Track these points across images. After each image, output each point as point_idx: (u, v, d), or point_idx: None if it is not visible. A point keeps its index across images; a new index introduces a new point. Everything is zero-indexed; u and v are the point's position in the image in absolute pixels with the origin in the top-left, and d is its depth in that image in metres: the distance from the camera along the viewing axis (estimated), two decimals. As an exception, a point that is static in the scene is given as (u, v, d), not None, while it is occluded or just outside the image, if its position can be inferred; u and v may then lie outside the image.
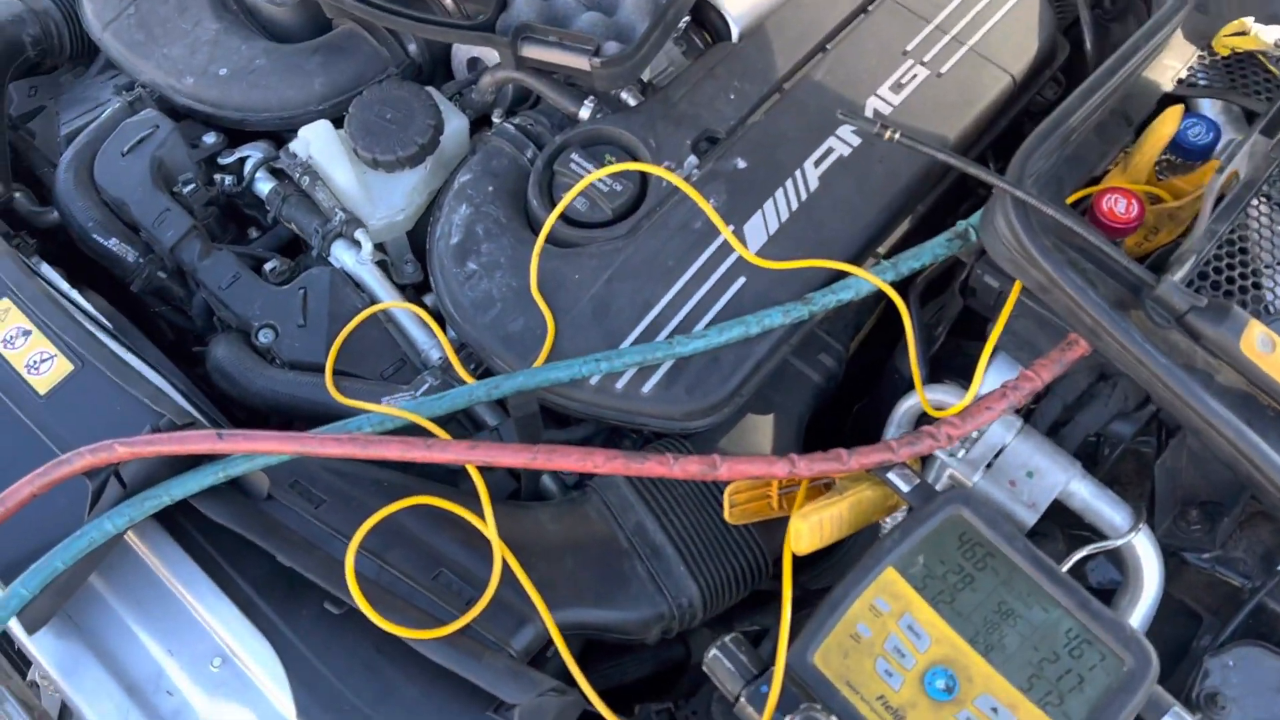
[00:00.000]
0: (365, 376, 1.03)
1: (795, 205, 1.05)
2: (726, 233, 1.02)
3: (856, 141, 1.08)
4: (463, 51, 1.24)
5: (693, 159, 1.08)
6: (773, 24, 1.15)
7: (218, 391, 1.06)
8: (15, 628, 0.92)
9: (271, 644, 0.92)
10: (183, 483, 0.92)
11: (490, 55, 1.21)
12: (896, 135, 0.91)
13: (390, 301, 1.08)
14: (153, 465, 0.92)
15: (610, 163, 1.08)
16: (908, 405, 1.02)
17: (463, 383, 1.00)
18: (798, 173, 1.07)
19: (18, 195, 1.26)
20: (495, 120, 1.18)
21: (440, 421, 0.96)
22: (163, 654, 0.94)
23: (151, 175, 1.15)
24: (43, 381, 0.99)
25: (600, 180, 1.06)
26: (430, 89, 1.15)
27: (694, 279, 1.02)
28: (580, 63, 1.04)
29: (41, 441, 0.96)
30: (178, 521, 0.95)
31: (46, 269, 1.13)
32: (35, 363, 1.00)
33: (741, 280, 1.02)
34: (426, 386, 1.01)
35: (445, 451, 0.89)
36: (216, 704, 0.90)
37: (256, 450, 0.90)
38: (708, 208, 1.02)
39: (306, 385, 1.02)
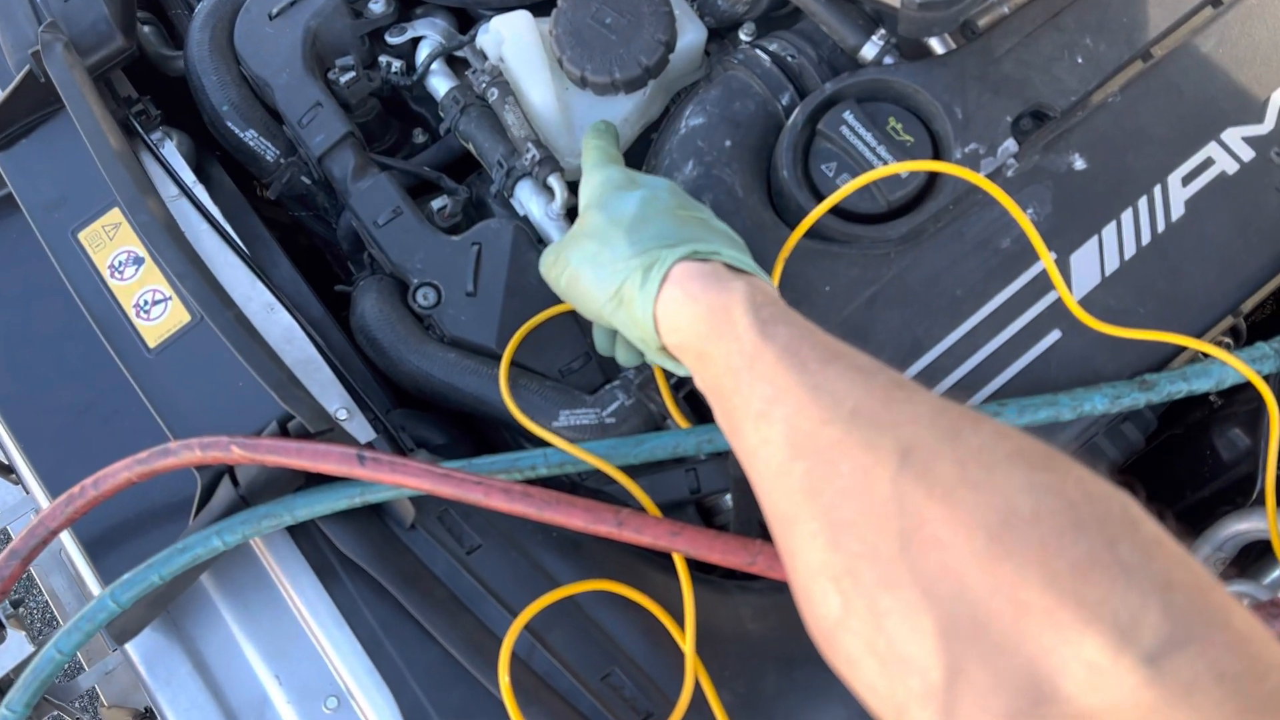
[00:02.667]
0: (539, 371, 0.81)
1: (1147, 237, 0.77)
2: (1051, 267, 0.74)
3: (1250, 155, 0.78)
4: (712, -69, 0.94)
5: (1011, 144, 0.79)
6: (1150, -44, 0.83)
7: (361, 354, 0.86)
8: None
9: (395, 697, 0.75)
10: (310, 501, 0.73)
11: (749, -56, 0.91)
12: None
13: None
14: (276, 472, 0.74)
15: (895, 130, 0.80)
16: (1239, 529, 0.77)
17: (662, 407, 0.78)
18: (1157, 190, 0.77)
19: (147, 30, 1.03)
20: (744, 38, 0.89)
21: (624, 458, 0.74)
22: (270, 679, 0.78)
23: (304, 51, 0.90)
24: (153, 330, 0.80)
25: (873, 151, 0.79)
26: (665, -15, 0.87)
27: (990, 321, 0.76)
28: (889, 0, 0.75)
29: (145, 409, 0.78)
30: (304, 523, 0.78)
31: (170, 150, 0.92)
32: (146, 304, 0.80)
33: (1055, 335, 0.75)
34: (617, 405, 0.79)
35: (640, 534, 0.68)
36: (326, 759, 0.75)
37: (404, 485, 0.71)
38: (1029, 227, 0.74)
39: (471, 375, 0.81)
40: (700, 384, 0.61)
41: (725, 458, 0.76)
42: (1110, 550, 0.40)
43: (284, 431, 0.74)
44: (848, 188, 0.75)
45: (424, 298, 0.83)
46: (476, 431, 0.89)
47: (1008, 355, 0.75)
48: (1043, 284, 0.76)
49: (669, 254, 0.63)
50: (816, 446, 0.49)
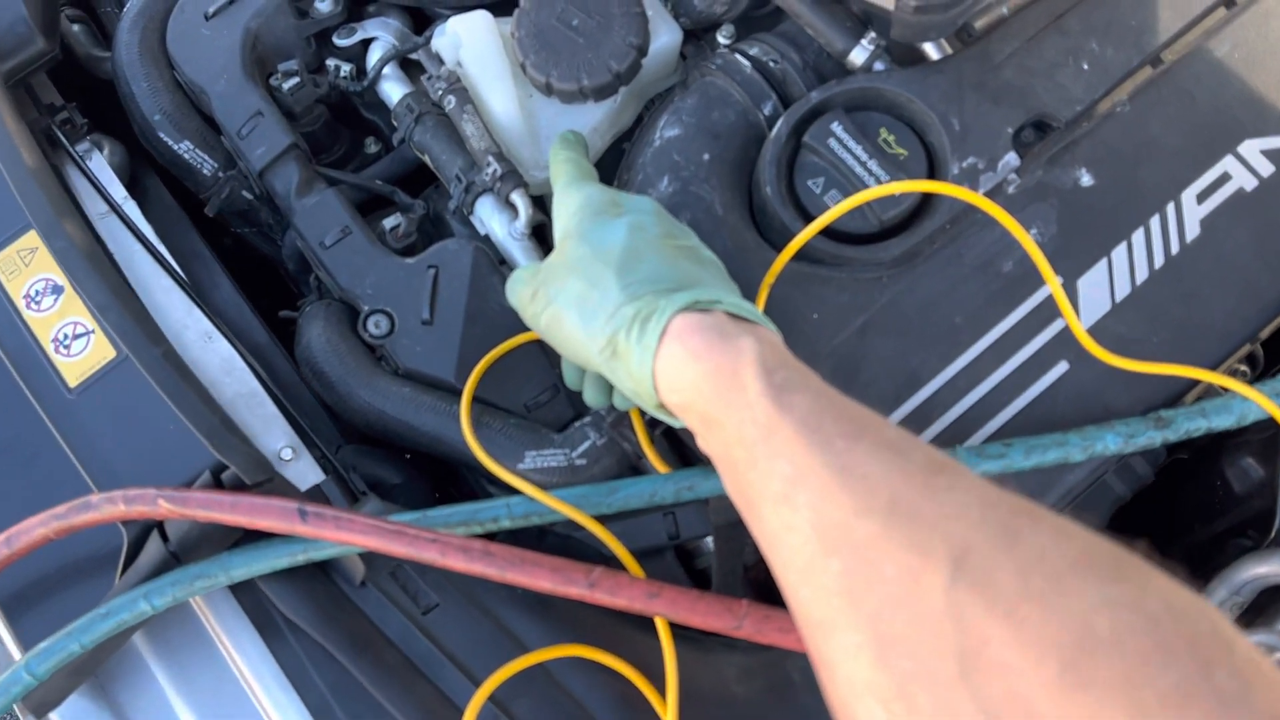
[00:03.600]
0: (502, 407, 0.75)
1: (1160, 260, 0.71)
2: (1058, 293, 0.68)
3: (1270, 170, 0.72)
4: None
5: (1012, 158, 0.73)
6: (1159, -46, 0.77)
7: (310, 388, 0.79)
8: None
9: (347, 773, 0.69)
10: (248, 559, 0.66)
11: (726, -61, 0.84)
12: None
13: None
14: (210, 526, 0.67)
15: (887, 142, 0.74)
16: (1259, 572, 0.71)
17: (637, 446, 0.71)
18: (1170, 208, 0.72)
19: (76, 29, 0.95)
20: (721, 41, 0.83)
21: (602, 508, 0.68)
22: (210, 751, 0.71)
23: (243, 56, 0.83)
24: (73, 368, 0.72)
25: (863, 166, 0.72)
26: (636, -17, 0.80)
27: (992, 352, 0.70)
28: (883, 1, 0.68)
29: (64, 455, 0.70)
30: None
31: (99, 163, 0.84)
32: (66, 338, 0.73)
33: (1063, 367, 0.70)
34: (588, 445, 0.72)
35: (615, 596, 0.62)
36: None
37: (351, 543, 0.64)
38: (1035, 250, 0.68)
39: (428, 411, 0.74)
40: (706, 449, 0.55)
41: (706, 503, 0.70)
42: (1205, 678, 0.34)
43: (218, 482, 0.66)
44: (839, 208, 0.68)
45: (375, 326, 0.76)
46: (435, 468, 0.82)
47: (1011, 389, 0.69)
48: (1048, 311, 0.70)
49: (667, 303, 0.57)
50: (852, 543, 0.43)
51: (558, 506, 0.66)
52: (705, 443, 0.56)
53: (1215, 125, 0.73)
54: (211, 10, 0.84)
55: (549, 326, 0.64)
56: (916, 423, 0.69)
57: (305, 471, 0.76)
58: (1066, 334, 0.69)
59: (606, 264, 0.61)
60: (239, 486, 0.66)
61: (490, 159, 0.77)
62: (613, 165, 0.82)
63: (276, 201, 0.82)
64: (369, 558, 0.68)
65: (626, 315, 0.58)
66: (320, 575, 0.69)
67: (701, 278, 0.61)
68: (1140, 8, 0.75)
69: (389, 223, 0.79)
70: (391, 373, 0.76)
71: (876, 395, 0.70)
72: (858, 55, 0.77)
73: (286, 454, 0.76)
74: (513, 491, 0.69)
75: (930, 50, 0.77)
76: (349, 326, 0.78)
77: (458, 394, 0.74)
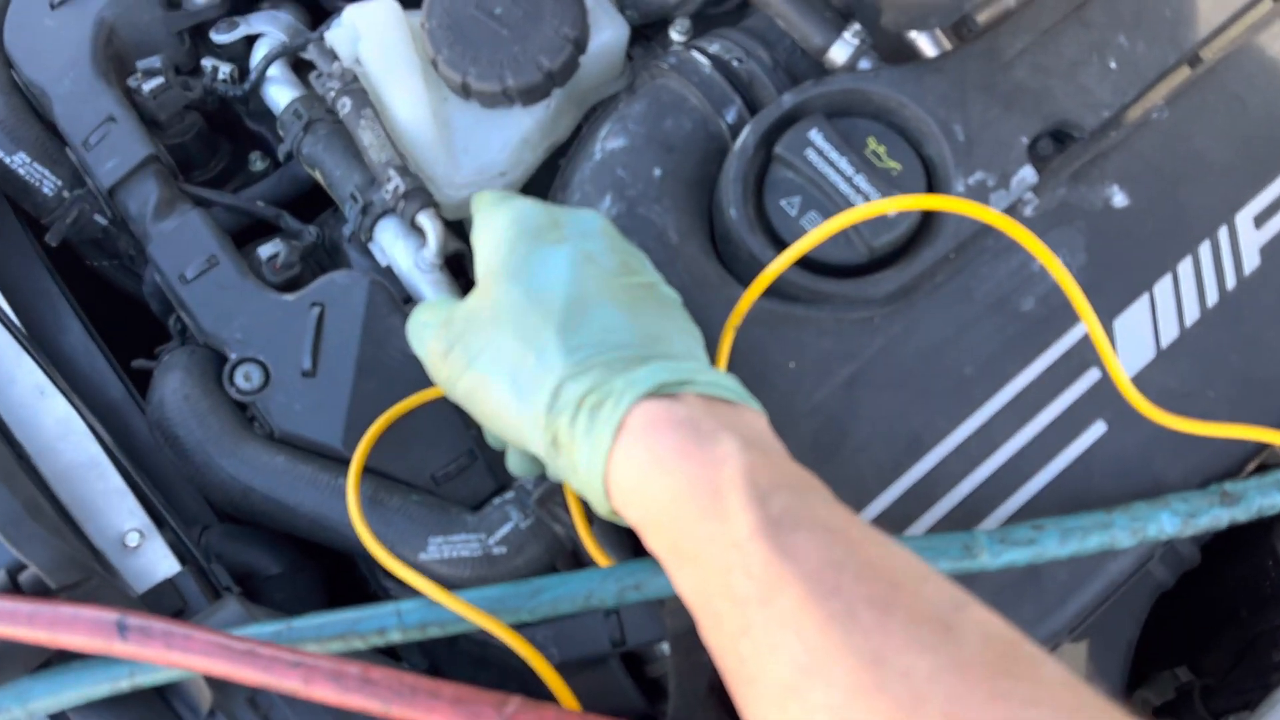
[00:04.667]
0: (403, 479, 0.60)
1: (1214, 297, 0.58)
2: (1099, 335, 0.55)
3: (1338, 188, 0.60)
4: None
5: (1028, 173, 0.60)
6: (1193, -64, 0.65)
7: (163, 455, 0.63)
8: None
9: None
10: (55, 686, 0.50)
11: (680, -81, 0.71)
12: None
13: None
14: (4, 643, 0.51)
15: (876, 154, 0.60)
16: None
17: (571, 530, 0.56)
18: (1222, 233, 0.59)
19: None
20: (675, 38, 0.69)
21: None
22: None
23: (94, 50, 0.68)
24: None
25: (849, 182, 0.59)
26: (573, -33, 0.67)
27: (1012, 410, 0.56)
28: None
29: None
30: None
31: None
32: None
33: (1100, 428, 0.56)
34: (510, 529, 0.57)
35: (537, 736, 0.46)
36: None
37: (186, 666, 0.48)
38: (1069, 281, 0.54)
39: (307, 486, 0.59)
40: (675, 584, 0.44)
41: (660, 604, 0.55)
42: None
43: (15, 586, 0.51)
44: (820, 231, 0.54)
45: (245, 379, 0.61)
46: (326, 553, 0.67)
47: (1037, 456, 0.56)
48: (1081, 359, 0.57)
49: (624, 386, 0.45)
50: None
51: (465, 613, 0.51)
52: (674, 577, 0.44)
53: (1272, 136, 0.60)
54: (58, -2, 0.69)
55: (468, 395, 0.51)
56: (920, 498, 0.55)
57: (155, 561, 0.61)
58: (1103, 387, 0.56)
59: (546, 317, 0.48)
60: (43, 591, 0.50)
61: (392, 173, 0.63)
62: (545, 185, 0.68)
63: (131, 227, 0.66)
64: (219, 681, 0.52)
65: (572, 397, 0.46)
66: (156, 704, 0.53)
67: (665, 333, 0.49)
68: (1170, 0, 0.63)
69: (265, 251, 0.64)
70: (264, 438, 0.61)
71: (870, 464, 0.56)
72: (839, 51, 0.64)
73: (133, 539, 0.61)
74: (412, 590, 0.54)
75: (926, 46, 0.64)
76: (214, 380, 0.62)
77: (344, 464, 0.59)
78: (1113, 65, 0.61)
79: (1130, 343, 0.57)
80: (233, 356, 0.61)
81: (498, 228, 0.52)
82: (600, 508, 0.46)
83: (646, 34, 0.72)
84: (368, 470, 0.59)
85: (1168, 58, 0.62)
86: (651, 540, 0.45)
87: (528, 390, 0.47)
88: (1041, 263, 0.53)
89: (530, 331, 0.48)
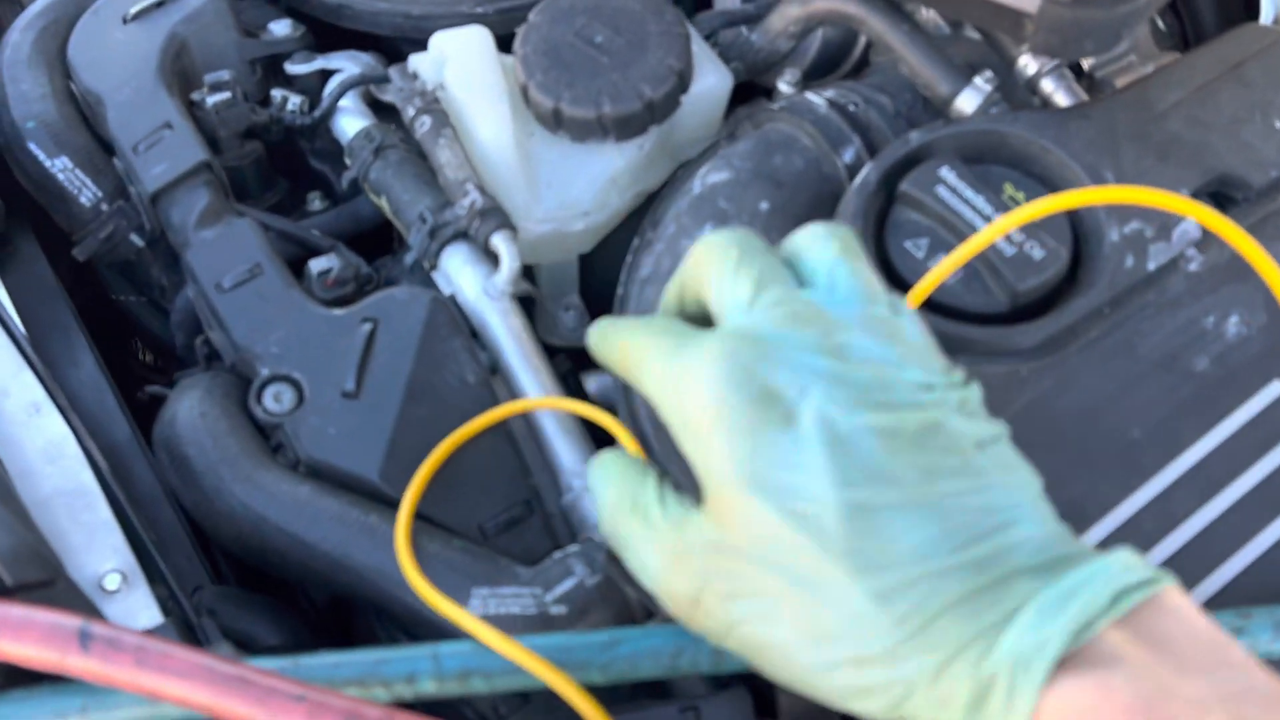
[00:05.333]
0: (446, 525, 0.50)
1: None
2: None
3: None
4: (740, -33, 0.72)
5: (1191, 226, 0.52)
6: (1350, 11, 0.61)
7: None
8: None
9: None
10: (-16, 718, 0.39)
11: (793, -23, 0.68)
12: None
13: (542, 399, 0.54)
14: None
15: (1014, 200, 0.54)
16: None
17: (646, 596, 0.46)
18: None
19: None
20: (784, 88, 0.64)
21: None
22: None
23: (161, 62, 0.64)
24: None
25: (987, 220, 0.52)
26: (677, 10, 0.63)
27: (1193, 480, 0.47)
28: (1023, -10, 0.50)
29: None
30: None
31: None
32: None
33: (1304, 508, 0.46)
34: (573, 585, 0.46)
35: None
36: None
37: (161, 695, 0.37)
38: None
39: (331, 523, 0.49)
40: None
41: (751, 682, 0.43)
42: None
43: (-41, 581, 0.40)
44: (966, 248, 0.47)
45: (275, 399, 0.52)
46: (336, 628, 0.56)
47: (1230, 534, 0.46)
48: (1272, 426, 0.48)
49: (1014, 668, 0.30)
50: None
51: (523, 660, 0.40)
52: None
53: None
54: (133, 12, 0.65)
55: (751, 657, 0.35)
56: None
57: (134, 610, 0.51)
58: (1305, 461, 0.47)
59: (824, 548, 0.32)
60: (-6, 590, 0.40)
61: (470, 188, 0.56)
62: (627, 241, 0.61)
63: (170, 237, 0.60)
64: None
65: (915, 674, 0.31)
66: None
67: (998, 510, 0.33)
68: (1338, 64, 0.57)
69: (318, 264, 0.57)
70: (288, 466, 0.51)
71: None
72: (968, 100, 0.58)
73: (112, 581, 0.51)
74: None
75: (1061, 100, 0.59)
76: (237, 403, 0.54)
77: (377, 500, 0.49)
78: (1278, 125, 0.55)
79: (1331, 414, 0.48)
80: (264, 373, 0.53)
81: (694, 409, 0.35)
82: None
83: (751, 91, 0.67)
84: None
85: (1339, 122, 0.56)
86: None
87: (837, 663, 0.32)
88: (1265, 280, 0.44)
89: (807, 577, 0.32)
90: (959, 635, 0.30)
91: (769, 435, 0.33)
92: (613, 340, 0.39)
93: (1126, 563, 0.32)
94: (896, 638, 0.31)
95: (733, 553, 0.34)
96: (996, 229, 0.46)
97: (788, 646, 0.33)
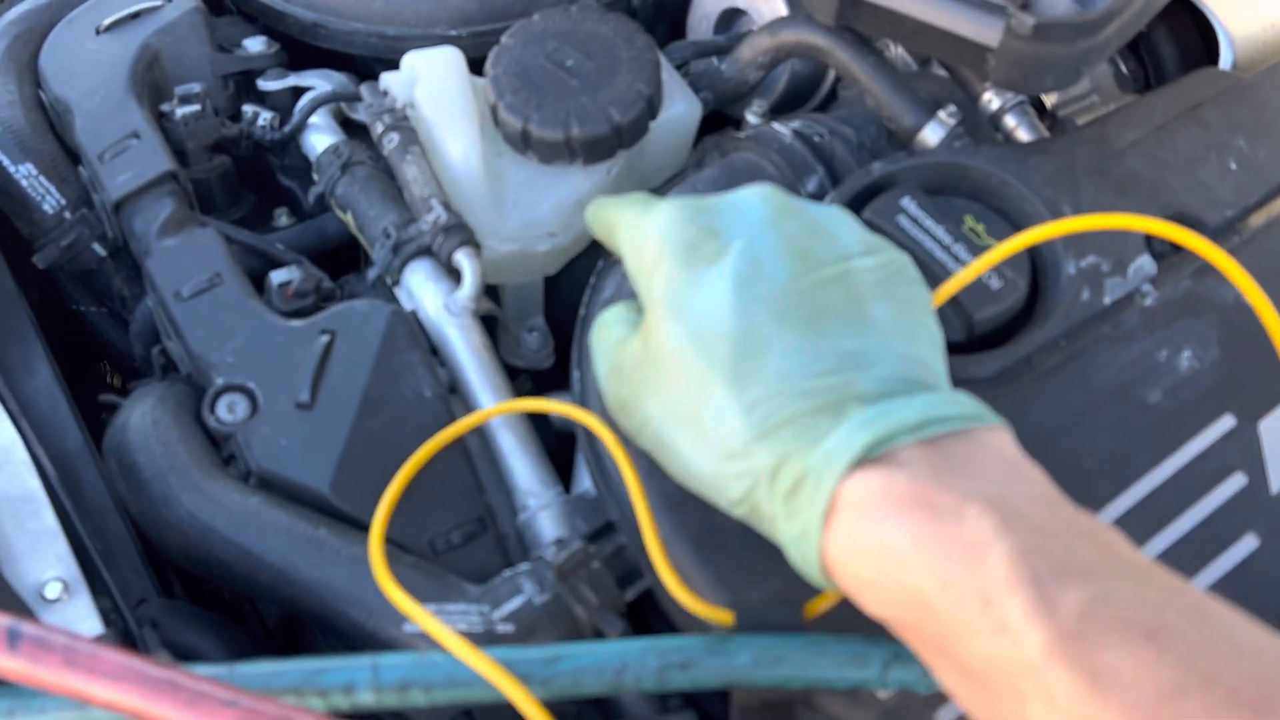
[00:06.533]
0: (398, 542, 0.49)
1: (1373, 405, 0.50)
2: None
3: None
4: None
5: (1146, 262, 0.53)
6: (1304, 59, 0.62)
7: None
8: None
9: None
10: (-96, 720, 0.38)
11: (768, 10, 0.69)
12: None
13: (502, 404, 0.54)
14: None
15: (975, 232, 0.54)
16: None
17: (595, 613, 0.45)
18: (1375, 339, 0.51)
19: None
20: (751, 119, 0.65)
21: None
22: None
23: (132, 71, 0.64)
24: None
25: (947, 250, 0.52)
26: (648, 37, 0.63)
27: (1143, 513, 0.47)
28: (985, 31, 0.51)
29: None
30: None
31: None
32: None
33: (1250, 542, 0.46)
34: (522, 603, 0.46)
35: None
36: None
37: (88, 699, 0.36)
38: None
39: (278, 535, 0.48)
40: (947, 687, 0.37)
41: (727, 699, 0.43)
42: None
43: (-113, 577, 0.39)
44: (954, 281, 0.47)
45: (228, 409, 0.52)
46: (282, 645, 0.55)
47: (1180, 565, 0.44)
48: (1222, 460, 0.48)
49: (822, 464, 0.37)
50: None
51: (483, 669, 0.39)
52: (942, 678, 0.37)
53: None
54: (108, 22, 0.66)
55: (655, 453, 0.44)
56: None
57: (74, 619, 0.51)
58: (1253, 494, 0.47)
59: (713, 367, 0.40)
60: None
61: (434, 203, 0.56)
62: (593, 265, 0.61)
63: (132, 245, 0.59)
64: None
65: (761, 469, 0.38)
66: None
67: (863, 348, 0.39)
68: (1291, 109, 0.59)
69: (279, 276, 0.56)
70: (239, 477, 0.51)
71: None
72: (932, 133, 0.59)
73: (53, 590, 0.51)
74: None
75: (1023, 135, 0.60)
76: (190, 412, 0.53)
77: (327, 512, 0.49)
78: (1233, 166, 0.56)
79: (1278, 447, 0.48)
80: (219, 382, 0.52)
81: (648, 250, 0.44)
82: (814, 578, 0.38)
83: (719, 121, 0.68)
84: (351, 523, 0.49)
85: (1292, 165, 0.57)
86: (906, 637, 0.37)
87: (711, 457, 0.40)
88: (1246, 296, 0.44)
89: (700, 387, 0.40)
90: (794, 439, 0.37)
91: (696, 270, 0.42)
92: (598, 212, 0.48)
93: (955, 400, 0.38)
94: (751, 436, 0.38)
95: (651, 362, 0.42)
96: (985, 261, 0.47)
97: (678, 449, 0.41)
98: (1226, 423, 0.49)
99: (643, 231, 0.44)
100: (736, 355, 0.39)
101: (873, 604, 0.37)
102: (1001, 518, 0.34)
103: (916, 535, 0.34)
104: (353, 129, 0.67)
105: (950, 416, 0.37)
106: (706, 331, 0.40)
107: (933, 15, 0.53)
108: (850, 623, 0.40)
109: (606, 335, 0.46)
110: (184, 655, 0.52)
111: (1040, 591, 0.32)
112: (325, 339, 0.53)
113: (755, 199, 0.44)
